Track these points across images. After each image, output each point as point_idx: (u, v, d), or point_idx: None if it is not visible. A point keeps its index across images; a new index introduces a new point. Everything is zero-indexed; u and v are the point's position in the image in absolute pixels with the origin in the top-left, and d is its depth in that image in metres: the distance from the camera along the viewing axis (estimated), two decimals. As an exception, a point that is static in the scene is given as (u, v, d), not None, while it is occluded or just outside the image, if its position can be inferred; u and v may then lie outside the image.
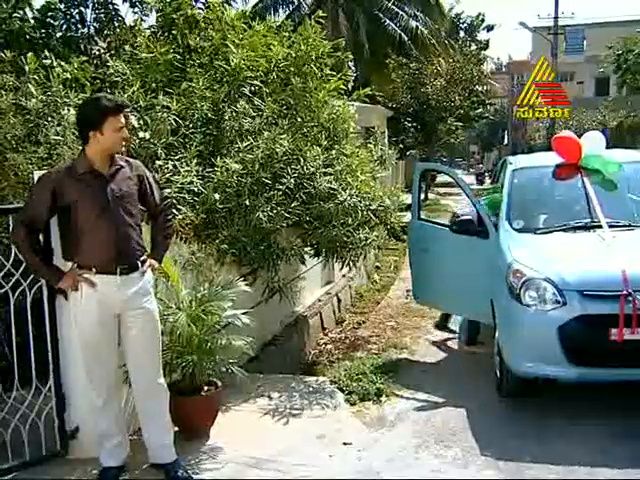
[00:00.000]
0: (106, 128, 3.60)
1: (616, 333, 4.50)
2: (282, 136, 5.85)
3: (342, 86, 7.04)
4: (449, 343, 7.14)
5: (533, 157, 7.71)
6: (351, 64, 7.80)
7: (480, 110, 32.86)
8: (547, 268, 4.89)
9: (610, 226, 5.36)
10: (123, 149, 3.71)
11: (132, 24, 7.25)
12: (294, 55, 6.68)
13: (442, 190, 30.87)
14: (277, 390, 5.41)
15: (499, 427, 4.78)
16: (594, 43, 40.47)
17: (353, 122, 7.22)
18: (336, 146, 6.68)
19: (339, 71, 7.16)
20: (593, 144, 6.16)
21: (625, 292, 4.51)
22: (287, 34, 7.02)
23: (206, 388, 4.52)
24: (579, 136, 6.39)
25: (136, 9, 7.59)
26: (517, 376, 4.98)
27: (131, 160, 3.93)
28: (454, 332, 7.51)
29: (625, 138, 25.22)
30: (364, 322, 8.49)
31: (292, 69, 6.64)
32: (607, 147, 6.37)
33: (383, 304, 9.35)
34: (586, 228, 5.48)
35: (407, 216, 8.20)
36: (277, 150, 5.74)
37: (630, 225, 5.48)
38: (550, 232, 5.55)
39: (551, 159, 6.33)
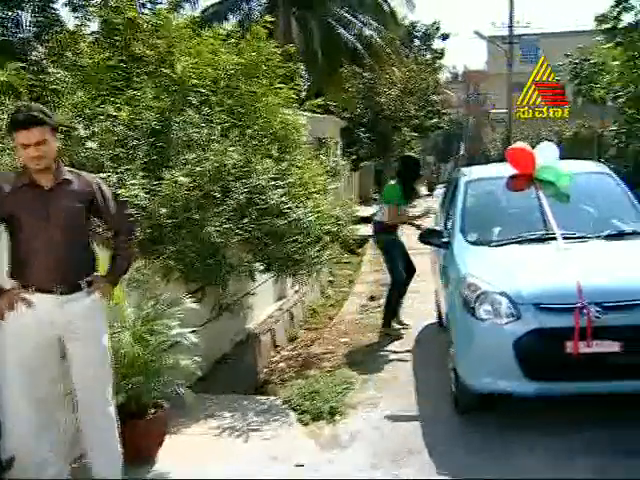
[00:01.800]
0: (16, 142, 3.55)
1: (572, 346, 4.58)
2: (232, 148, 5.85)
3: (293, 96, 7.09)
4: (405, 357, 7.18)
5: (487, 168, 7.82)
6: (304, 73, 7.89)
7: (435, 120, 33.33)
8: (502, 281, 4.96)
9: (564, 238, 5.45)
10: (36, 166, 3.53)
11: (74, 29, 7.18)
12: (243, 63, 6.70)
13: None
14: (228, 411, 5.38)
15: (457, 443, 4.83)
16: (549, 53, 41.36)
17: (305, 132, 7.27)
18: (287, 157, 6.71)
19: (291, 79, 7.22)
20: (546, 155, 6.29)
21: (580, 304, 4.59)
22: (235, 41, 7.04)
23: (152, 410, 4.47)
24: (533, 147, 6.53)
25: (78, 14, 7.50)
26: (473, 392, 5.04)
27: (83, 173, 3.85)
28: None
29: (580, 149, 25.81)
30: (317, 339, 8.50)
31: (241, 77, 6.66)
32: (561, 158, 6.51)
33: (337, 320, 9.38)
34: (541, 240, 5.57)
35: (361, 229, 8.30)
36: (227, 162, 5.73)
37: (584, 236, 5.58)
38: (504, 244, 5.63)
39: (505, 170, 6.44)
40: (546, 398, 4.95)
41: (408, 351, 7.36)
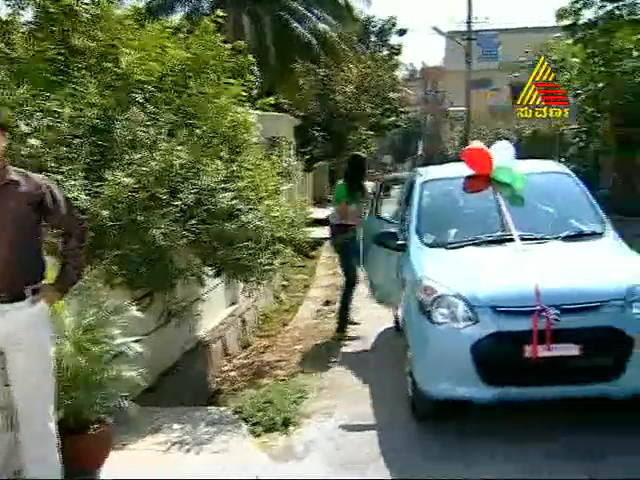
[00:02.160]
0: None
1: (530, 350, 4.62)
2: (179, 147, 5.80)
3: (243, 93, 7.06)
4: (361, 362, 7.19)
5: (444, 168, 7.84)
6: (255, 69, 7.92)
7: (393, 118, 33.55)
8: (458, 284, 4.98)
9: (522, 239, 5.50)
10: None
11: (6, 18, 7.00)
12: (191, 58, 6.65)
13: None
14: (176, 423, 5.32)
15: (415, 450, 4.84)
16: (508, 49, 41.89)
17: (256, 131, 7.25)
18: (238, 158, 6.68)
19: (241, 76, 7.18)
20: (503, 155, 6.35)
21: (538, 308, 4.64)
22: (184, 35, 6.99)
23: (96, 426, 4.40)
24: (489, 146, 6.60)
25: (10, 1, 7.27)
26: (431, 398, 5.07)
27: (31, 174, 3.74)
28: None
29: (540, 147, 26.31)
30: (270, 346, 8.49)
31: (189, 74, 6.61)
32: (521, 157, 6.59)
33: (291, 326, 9.38)
34: (498, 242, 5.61)
35: (315, 231, 8.34)
36: (174, 163, 5.68)
37: (543, 238, 5.63)
38: (461, 246, 5.66)
39: (462, 170, 6.47)
40: (506, 403, 4.99)
41: (364, 356, 7.38)
